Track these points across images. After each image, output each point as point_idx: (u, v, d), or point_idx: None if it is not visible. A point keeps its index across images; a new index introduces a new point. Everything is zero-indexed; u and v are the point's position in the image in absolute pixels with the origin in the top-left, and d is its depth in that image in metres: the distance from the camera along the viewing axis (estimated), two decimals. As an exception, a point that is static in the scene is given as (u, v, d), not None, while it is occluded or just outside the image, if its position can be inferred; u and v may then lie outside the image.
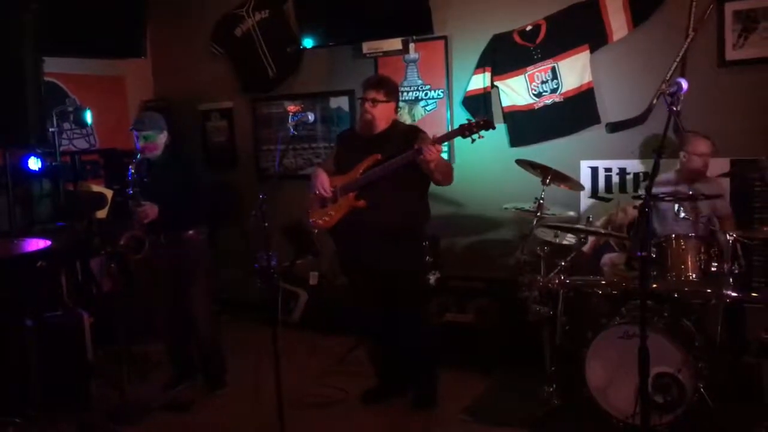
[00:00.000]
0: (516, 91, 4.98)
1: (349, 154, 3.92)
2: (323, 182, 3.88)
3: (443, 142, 3.70)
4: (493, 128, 3.66)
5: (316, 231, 3.97)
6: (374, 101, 3.78)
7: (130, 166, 4.04)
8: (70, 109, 5.22)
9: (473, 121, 3.62)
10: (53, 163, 5.05)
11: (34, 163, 4.96)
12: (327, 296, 5.60)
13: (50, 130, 4.92)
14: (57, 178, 5.15)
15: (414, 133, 3.82)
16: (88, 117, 5.21)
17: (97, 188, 5.44)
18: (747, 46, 4.27)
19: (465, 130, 3.61)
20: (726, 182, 4.19)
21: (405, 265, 3.82)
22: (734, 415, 3.46)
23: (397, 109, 3.98)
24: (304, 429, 3.67)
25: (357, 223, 3.79)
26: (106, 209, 5.25)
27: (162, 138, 4.13)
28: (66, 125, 5.54)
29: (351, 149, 3.94)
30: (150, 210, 3.98)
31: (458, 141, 5.16)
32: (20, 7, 4.17)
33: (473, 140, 3.60)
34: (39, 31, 4.28)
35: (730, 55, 4.33)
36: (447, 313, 4.71)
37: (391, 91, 3.87)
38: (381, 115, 3.81)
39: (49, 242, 4.28)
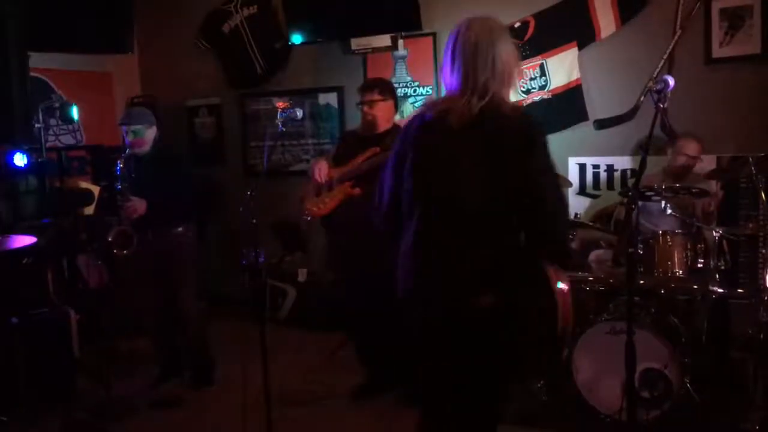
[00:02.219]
0: (504, 88, 4.98)
1: (349, 150, 3.95)
2: (321, 168, 3.92)
3: None
4: None
5: (309, 219, 3.97)
6: (371, 103, 3.83)
7: (118, 161, 4.02)
8: (57, 104, 5.19)
9: None
10: (39, 159, 5.01)
11: (19, 159, 4.92)
12: (316, 293, 5.59)
13: (36, 126, 4.87)
14: (43, 174, 5.11)
15: None
16: (75, 113, 5.17)
17: (83, 184, 5.41)
18: (733, 44, 4.31)
19: None
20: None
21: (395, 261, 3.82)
22: (720, 409, 3.48)
23: (396, 107, 4.01)
24: (292, 426, 3.67)
25: (351, 215, 3.80)
26: (93, 205, 5.22)
27: (150, 133, 4.10)
28: (52, 121, 5.51)
29: (351, 146, 3.97)
30: (138, 205, 3.96)
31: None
32: (5, 1, 4.13)
33: None
34: (25, 26, 4.24)
35: (717, 52, 4.36)
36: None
37: (386, 89, 3.92)
38: (381, 114, 3.86)
39: (34, 239, 4.25)
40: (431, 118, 2.18)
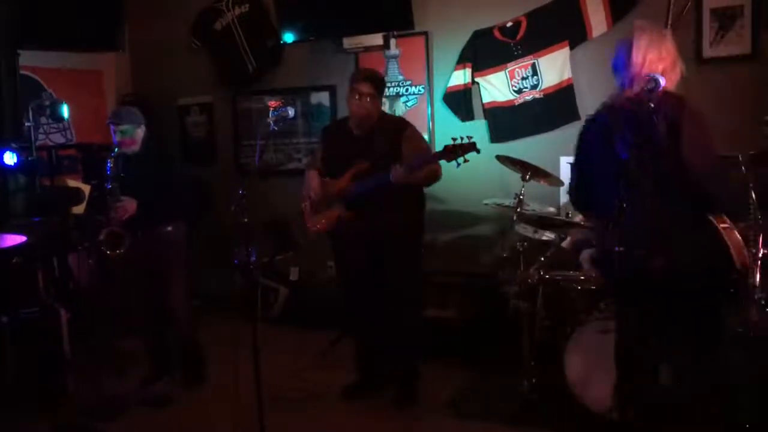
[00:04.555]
0: (496, 87, 5.00)
1: (338, 152, 3.91)
2: (315, 188, 3.91)
3: (424, 166, 3.61)
4: (477, 151, 3.47)
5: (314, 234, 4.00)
6: (371, 96, 3.76)
7: (108, 161, 3.99)
8: (47, 103, 5.15)
9: (458, 143, 3.45)
10: (29, 158, 4.98)
11: (9, 158, 4.89)
12: (308, 292, 5.59)
13: (26, 124, 4.85)
14: (33, 172, 5.08)
15: (401, 126, 3.83)
16: (65, 111, 5.14)
17: (73, 183, 5.38)
18: (724, 44, 4.32)
19: (449, 153, 3.45)
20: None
21: (401, 260, 3.84)
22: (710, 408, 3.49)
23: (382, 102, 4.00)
24: (284, 425, 3.66)
25: (353, 227, 3.80)
26: (83, 204, 5.20)
27: (140, 132, 4.08)
28: (42, 119, 5.47)
29: (339, 147, 3.93)
30: (128, 205, 3.94)
31: (439, 135, 5.19)
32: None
33: (458, 164, 3.44)
34: (14, 24, 4.22)
35: (708, 52, 4.37)
36: (428, 308, 4.72)
37: (382, 85, 3.89)
38: (375, 108, 3.82)
39: (24, 238, 4.23)
40: None
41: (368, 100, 3.75)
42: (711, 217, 2.55)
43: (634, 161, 2.47)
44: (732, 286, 2.52)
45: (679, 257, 2.49)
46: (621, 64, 2.68)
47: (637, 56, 2.61)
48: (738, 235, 2.53)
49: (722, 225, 2.55)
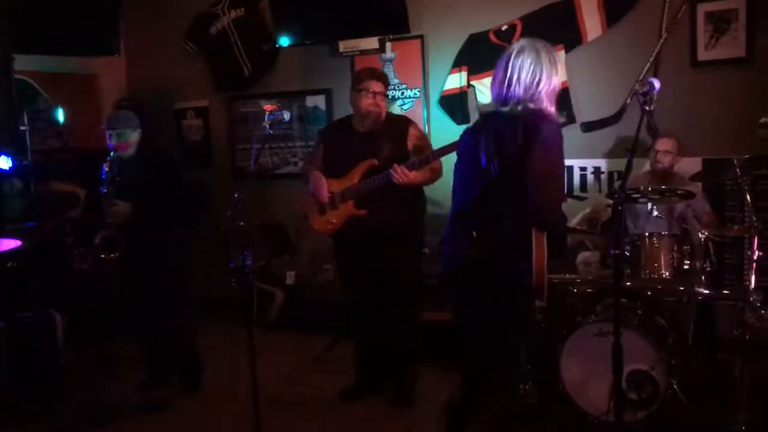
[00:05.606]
0: (492, 91, 5.00)
1: (342, 153, 3.88)
2: (322, 188, 3.86)
3: (442, 155, 3.62)
4: None
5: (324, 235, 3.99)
6: (381, 95, 3.76)
7: (104, 165, 3.99)
8: (42, 107, 5.15)
9: None
10: (24, 162, 4.97)
11: (4, 162, 4.88)
12: (304, 296, 5.58)
13: (22, 128, 4.85)
14: (28, 177, 5.07)
15: (403, 125, 3.85)
16: (61, 115, 5.14)
17: (69, 187, 5.37)
18: (718, 47, 4.34)
19: None
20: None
21: (404, 260, 3.84)
22: (707, 410, 3.50)
23: None
24: (281, 428, 3.66)
25: (358, 226, 3.80)
26: (79, 208, 5.19)
27: (135, 136, 4.07)
28: (38, 123, 5.46)
29: (343, 146, 3.89)
30: (124, 208, 3.94)
31: (435, 138, 5.19)
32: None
33: None
34: (9, 28, 4.21)
35: (702, 55, 4.39)
36: (424, 311, 4.71)
37: (387, 84, 3.88)
38: (384, 107, 3.82)
39: (19, 242, 4.22)
40: None
41: (380, 98, 3.77)
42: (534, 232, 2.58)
43: (490, 169, 2.60)
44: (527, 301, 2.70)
45: (492, 259, 2.68)
46: (496, 77, 2.75)
47: (507, 74, 2.69)
48: (544, 251, 2.56)
49: (537, 240, 2.56)
